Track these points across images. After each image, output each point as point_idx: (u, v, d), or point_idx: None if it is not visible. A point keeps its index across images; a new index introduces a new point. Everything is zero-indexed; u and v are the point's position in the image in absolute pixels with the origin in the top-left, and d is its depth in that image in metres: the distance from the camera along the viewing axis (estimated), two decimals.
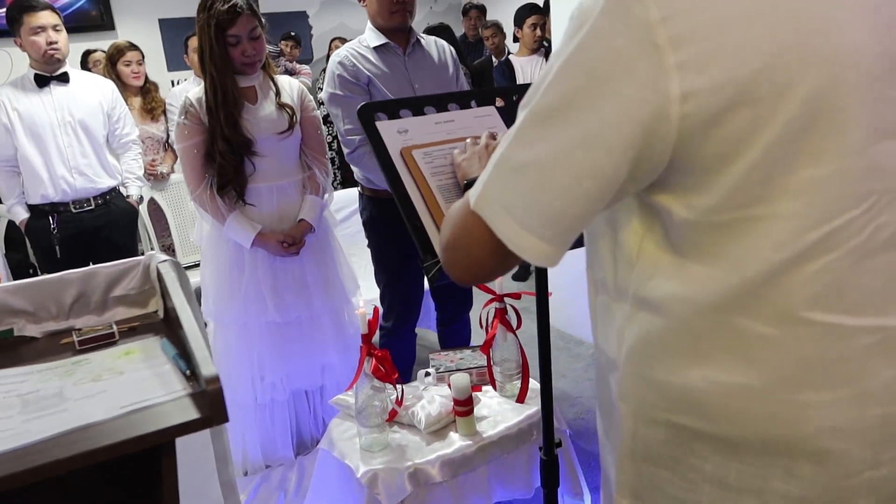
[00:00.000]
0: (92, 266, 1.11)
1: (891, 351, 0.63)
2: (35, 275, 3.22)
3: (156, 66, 6.98)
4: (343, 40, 6.11)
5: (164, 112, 3.92)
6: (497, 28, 5.08)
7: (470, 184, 0.82)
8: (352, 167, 2.36)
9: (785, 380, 0.62)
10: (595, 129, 0.59)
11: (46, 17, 2.81)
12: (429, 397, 1.88)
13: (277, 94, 2.23)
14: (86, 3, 6.81)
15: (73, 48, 6.39)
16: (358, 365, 1.72)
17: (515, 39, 4.19)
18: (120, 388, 0.87)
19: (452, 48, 2.51)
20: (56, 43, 2.82)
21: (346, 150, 2.28)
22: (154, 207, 3.77)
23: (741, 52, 0.54)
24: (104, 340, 1.01)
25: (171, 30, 7.24)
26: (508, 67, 4.04)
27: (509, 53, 4.57)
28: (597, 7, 0.58)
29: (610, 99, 0.58)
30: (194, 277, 3.19)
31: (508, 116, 1.27)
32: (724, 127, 0.56)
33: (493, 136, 1.03)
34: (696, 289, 0.63)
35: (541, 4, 4.02)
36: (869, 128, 0.56)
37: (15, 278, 3.09)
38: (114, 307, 1.11)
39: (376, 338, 2.19)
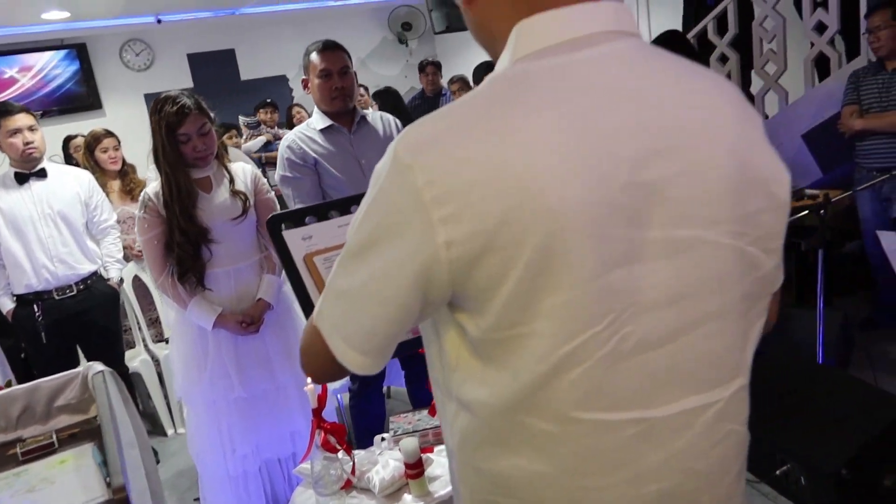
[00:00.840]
0: (35, 381, 1.24)
1: (655, 438, 0.75)
2: (26, 359, 3.39)
3: (141, 138, 7.23)
4: (302, 107, 6.36)
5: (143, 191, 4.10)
6: (463, 82, 5.30)
7: None
8: None
9: (569, 468, 0.75)
10: (386, 268, 0.72)
11: (22, 120, 2.98)
12: (383, 461, 1.99)
13: (231, 181, 2.38)
14: (74, 85, 7.10)
15: (62, 129, 6.72)
16: (310, 437, 1.84)
17: None
18: (49, 498, 0.99)
19: (398, 121, 2.68)
20: (32, 143, 2.99)
21: None
22: (138, 283, 3.92)
23: (483, 211, 0.67)
24: (45, 450, 1.14)
25: None
26: None
27: None
28: (384, 170, 0.73)
29: (395, 245, 0.71)
30: None
31: None
32: (482, 268, 0.69)
33: None
34: (493, 392, 0.76)
35: None
36: (598, 261, 0.68)
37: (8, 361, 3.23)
38: (57, 416, 1.24)
39: (331, 408, 2.31)
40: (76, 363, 3.27)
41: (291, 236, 1.29)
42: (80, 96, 7.08)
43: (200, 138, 2.27)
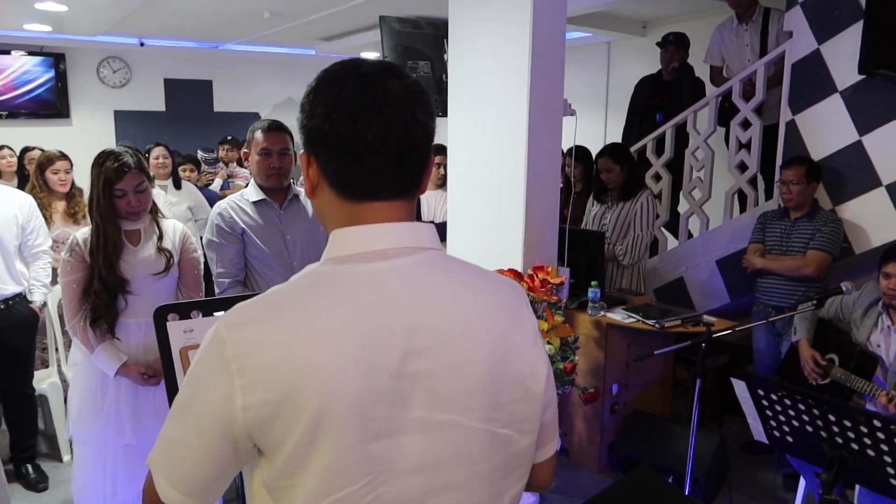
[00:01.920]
0: None
1: None
2: None
3: None
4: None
5: (85, 216, 4.18)
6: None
7: None
8: None
9: None
10: (199, 423, 0.87)
11: None
12: None
13: (160, 238, 2.52)
14: (45, 92, 7.18)
15: (27, 132, 6.77)
16: None
17: None
18: None
19: None
20: None
21: (216, 290, 2.59)
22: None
23: (273, 385, 0.83)
24: None
25: (125, 120, 7.64)
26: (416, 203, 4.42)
27: None
28: (207, 338, 0.89)
29: (206, 403, 0.87)
30: None
31: None
32: (270, 430, 0.85)
33: None
34: None
35: (444, 144, 4.47)
36: (360, 434, 0.84)
37: None
38: None
39: None
40: None
41: (174, 328, 1.43)
42: (51, 103, 7.16)
43: (136, 195, 2.40)
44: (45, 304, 3.48)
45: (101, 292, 2.36)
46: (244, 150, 2.75)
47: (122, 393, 2.42)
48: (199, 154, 6.36)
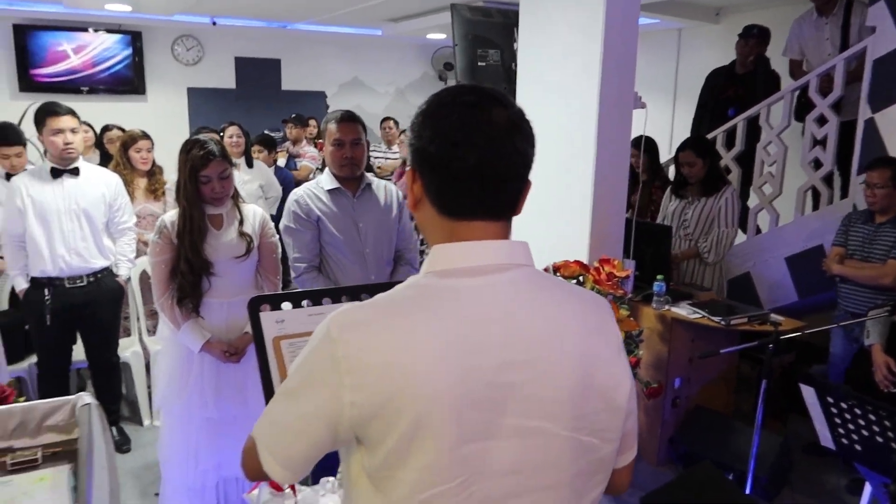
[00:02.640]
0: (32, 402, 1.48)
1: None
2: (27, 336, 3.63)
3: (178, 127, 7.59)
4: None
5: (164, 193, 4.37)
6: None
7: None
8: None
9: None
10: (305, 410, 0.96)
11: (65, 122, 3.26)
12: (323, 503, 2.21)
13: (241, 222, 2.64)
14: (124, 69, 7.43)
15: (107, 107, 7.04)
16: None
17: None
18: None
19: (400, 192, 2.93)
20: (71, 144, 3.27)
21: (292, 274, 2.70)
22: (145, 277, 4.17)
23: (377, 387, 0.91)
24: (29, 465, 1.38)
25: (198, 97, 7.87)
26: None
27: None
28: (321, 333, 0.97)
29: (315, 395, 0.95)
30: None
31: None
32: (373, 426, 0.92)
33: None
34: None
35: None
36: (456, 436, 0.91)
37: (6, 337, 3.47)
38: (46, 433, 1.47)
39: None
40: (72, 347, 3.53)
41: (267, 318, 1.52)
42: (128, 80, 7.43)
43: (220, 181, 2.52)
44: (129, 278, 3.68)
45: (186, 273, 2.50)
46: (319, 140, 2.83)
47: (205, 369, 2.56)
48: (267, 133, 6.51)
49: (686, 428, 3.49)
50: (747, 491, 2.78)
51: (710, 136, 4.63)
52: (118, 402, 3.79)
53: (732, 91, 4.72)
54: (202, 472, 2.62)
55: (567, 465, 0.99)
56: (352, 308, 0.97)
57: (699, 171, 3.89)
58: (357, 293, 1.66)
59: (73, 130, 3.28)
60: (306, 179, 6.31)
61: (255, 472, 1.06)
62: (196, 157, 2.46)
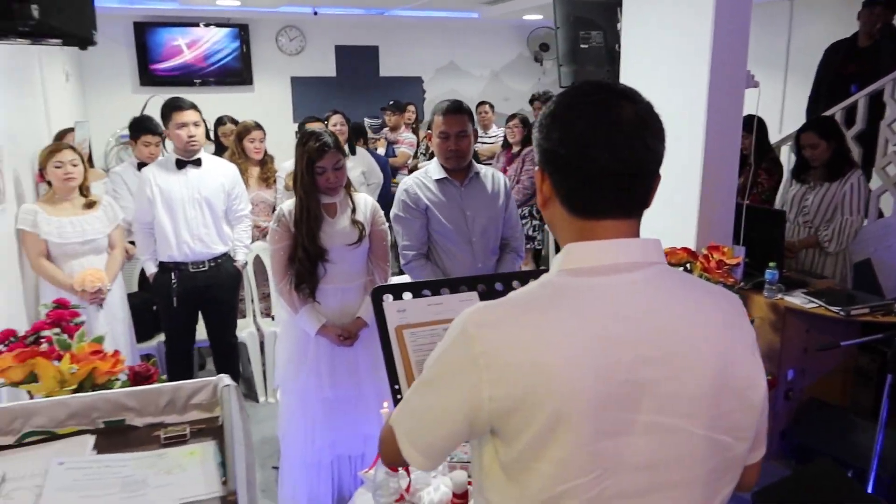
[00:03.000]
0: (180, 381, 1.61)
1: None
2: (156, 316, 3.92)
3: (284, 116, 7.90)
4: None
5: (276, 181, 4.58)
6: (520, 120, 5.49)
7: None
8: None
9: None
10: (445, 403, 1.01)
11: (189, 116, 3.47)
12: (435, 485, 2.29)
13: (353, 210, 2.74)
14: (232, 61, 7.77)
15: (218, 98, 7.41)
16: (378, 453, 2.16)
17: None
18: (181, 483, 1.35)
19: (507, 181, 2.95)
20: (194, 136, 3.48)
21: (402, 261, 2.79)
22: (258, 262, 4.40)
23: (516, 382, 0.94)
24: (179, 439, 1.51)
25: (301, 86, 8.15)
26: None
27: None
28: (457, 329, 1.01)
29: (454, 388, 0.99)
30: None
31: (487, 298, 1.69)
32: (511, 419, 0.95)
33: None
34: (507, 502, 1.03)
35: None
36: (593, 432, 0.93)
37: (137, 317, 3.76)
38: (191, 410, 1.61)
39: None
40: (195, 327, 3.78)
41: (389, 307, 1.59)
42: (236, 71, 7.78)
43: (334, 172, 2.62)
44: (245, 263, 3.90)
45: (304, 260, 2.62)
46: (427, 130, 2.89)
47: (321, 351, 2.69)
48: (366, 121, 6.67)
49: (800, 421, 3.36)
50: (869, 490, 2.66)
51: (827, 113, 4.38)
52: (237, 380, 4.02)
53: (854, 67, 4.44)
54: (318, 449, 2.76)
55: (701, 463, 1.00)
56: (487, 306, 1.01)
57: (823, 154, 3.68)
58: (474, 283, 1.70)
59: (195, 124, 3.49)
60: (404, 166, 6.45)
61: (393, 458, 1.12)
62: (312, 149, 2.57)
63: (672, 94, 3.17)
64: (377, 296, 1.61)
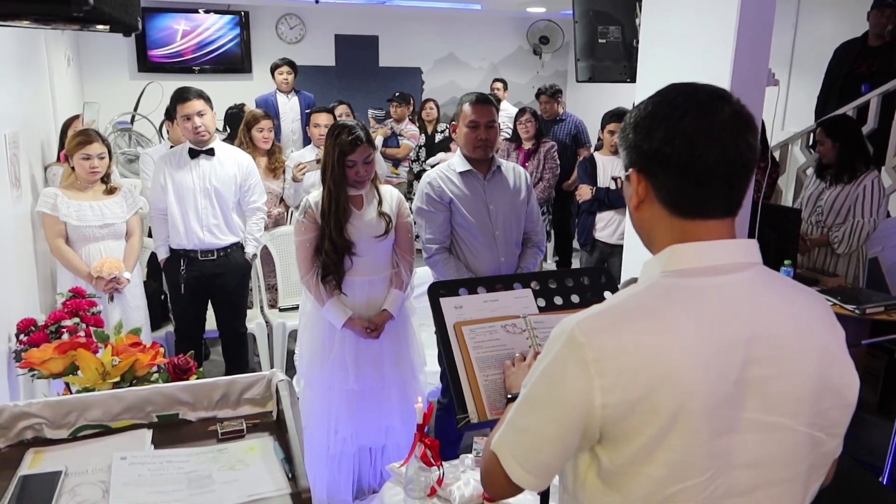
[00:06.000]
0: (233, 376, 1.60)
1: None
2: (166, 302, 3.88)
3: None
4: (435, 103, 6.58)
5: (284, 171, 4.54)
6: (531, 114, 5.51)
7: (513, 398, 1.16)
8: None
9: None
10: (557, 415, 0.99)
11: (193, 106, 3.41)
12: (465, 479, 2.29)
13: (380, 202, 2.72)
14: (234, 47, 7.68)
15: (217, 86, 7.33)
16: (411, 447, 2.15)
17: (599, 139, 4.63)
18: (246, 478, 1.34)
19: (528, 175, 2.95)
20: (200, 127, 3.43)
21: (424, 255, 2.79)
22: (265, 252, 4.37)
23: (631, 387, 0.93)
24: (237, 434, 1.49)
25: (300, 75, 7.97)
26: (591, 164, 4.43)
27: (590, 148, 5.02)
28: (561, 339, 0.99)
29: (563, 401, 0.98)
30: (292, 320, 3.78)
31: (541, 296, 1.69)
32: (625, 424, 0.95)
33: (536, 355, 1.40)
34: None
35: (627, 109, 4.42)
36: (708, 431, 0.94)
37: (149, 304, 3.71)
38: (244, 405, 1.59)
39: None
40: (205, 316, 3.75)
41: (446, 304, 1.58)
42: (236, 59, 7.69)
43: (364, 166, 2.60)
44: (255, 255, 3.87)
45: (330, 252, 2.60)
46: (452, 122, 2.87)
47: (346, 343, 2.68)
48: (370, 112, 6.61)
49: None
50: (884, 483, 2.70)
51: (838, 112, 4.41)
52: (246, 370, 4.00)
53: (866, 67, 4.47)
54: (341, 440, 2.75)
55: (802, 460, 1.01)
56: (593, 313, 1.00)
57: (829, 153, 3.72)
58: (528, 280, 1.70)
59: (200, 114, 3.42)
60: (406, 158, 6.42)
61: (501, 489, 1.08)
62: (345, 143, 2.54)
63: None
64: (434, 292, 1.61)
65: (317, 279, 2.64)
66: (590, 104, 7.62)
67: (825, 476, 1.14)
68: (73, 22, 1.59)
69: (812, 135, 3.87)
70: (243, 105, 5.98)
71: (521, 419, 1.04)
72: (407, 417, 2.83)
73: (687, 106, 1.00)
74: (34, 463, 1.37)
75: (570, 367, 0.97)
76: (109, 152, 3.31)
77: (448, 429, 2.95)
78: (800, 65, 5.98)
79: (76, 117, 4.23)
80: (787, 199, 4.89)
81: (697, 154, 0.98)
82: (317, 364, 2.72)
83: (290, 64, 6.07)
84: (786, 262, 3.37)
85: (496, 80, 7.52)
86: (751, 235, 3.37)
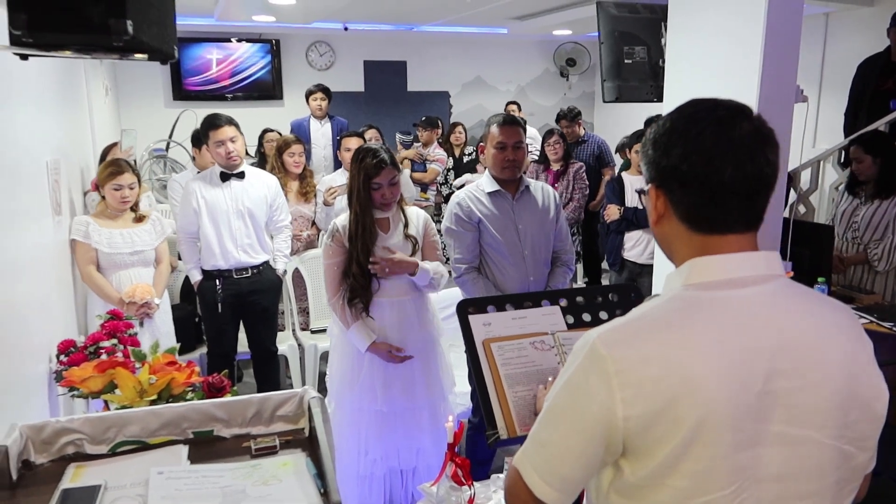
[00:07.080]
0: (267, 393, 1.63)
1: None
2: (200, 326, 3.95)
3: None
4: (463, 127, 6.61)
5: (315, 195, 4.62)
6: (558, 135, 5.48)
7: None
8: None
9: None
10: (580, 428, 0.99)
11: (225, 132, 3.52)
12: (497, 499, 2.28)
13: (406, 225, 2.75)
14: (264, 75, 7.85)
15: (249, 113, 7.50)
16: (442, 466, 2.16)
17: (627, 159, 4.64)
18: (279, 494, 1.36)
19: (557, 194, 2.96)
20: (233, 152, 3.53)
21: (453, 274, 2.80)
22: (297, 275, 4.43)
23: (653, 398, 0.94)
24: (270, 450, 1.52)
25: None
26: (619, 184, 4.43)
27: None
28: (583, 351, 1.00)
29: (585, 414, 0.98)
30: (324, 342, 3.81)
31: (569, 313, 1.69)
32: (648, 436, 0.95)
33: None
34: None
35: None
36: (732, 443, 0.93)
37: (179, 329, 3.76)
38: (277, 421, 1.62)
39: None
40: (237, 336, 3.81)
41: (475, 321, 1.60)
42: (267, 86, 7.86)
43: (389, 188, 2.64)
44: (285, 272, 3.93)
45: (358, 275, 2.63)
46: (479, 143, 2.91)
47: (375, 365, 2.70)
48: (398, 137, 6.68)
49: None
50: None
51: (867, 129, 4.36)
52: (276, 389, 4.03)
53: (892, 83, 4.42)
54: (371, 461, 2.76)
55: (829, 473, 1.00)
56: (614, 326, 1.00)
57: (868, 169, 3.66)
58: (556, 297, 1.71)
59: (232, 140, 3.53)
60: (433, 182, 6.47)
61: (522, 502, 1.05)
62: (369, 166, 2.59)
63: None
64: (462, 310, 1.62)
65: (343, 302, 2.67)
66: (618, 125, 7.62)
67: (858, 490, 1.12)
68: (112, 51, 1.65)
69: (843, 151, 3.81)
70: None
71: (543, 432, 1.04)
72: (437, 438, 2.83)
73: (706, 122, 1.00)
74: (75, 477, 1.41)
75: (592, 380, 0.97)
76: (139, 181, 3.40)
77: (479, 448, 2.94)
78: (830, 82, 5.92)
79: (114, 144, 4.36)
80: (819, 217, 4.82)
81: (714, 171, 0.98)
82: (346, 386, 2.74)
83: (325, 90, 6.17)
84: (819, 279, 3.31)
85: (509, 102, 7.55)
86: (783, 254, 3.34)
